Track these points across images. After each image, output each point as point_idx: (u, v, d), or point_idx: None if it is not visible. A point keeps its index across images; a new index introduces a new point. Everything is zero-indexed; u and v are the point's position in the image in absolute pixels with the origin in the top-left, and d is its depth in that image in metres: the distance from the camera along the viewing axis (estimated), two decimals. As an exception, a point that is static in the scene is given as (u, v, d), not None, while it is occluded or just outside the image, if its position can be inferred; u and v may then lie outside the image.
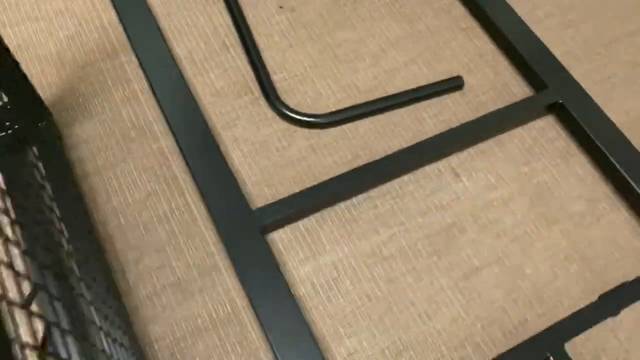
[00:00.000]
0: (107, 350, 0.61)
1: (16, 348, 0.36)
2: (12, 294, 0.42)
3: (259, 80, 0.93)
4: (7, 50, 0.68)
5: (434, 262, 0.81)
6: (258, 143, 0.88)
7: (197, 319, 0.75)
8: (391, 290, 0.79)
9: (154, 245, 0.79)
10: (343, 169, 0.86)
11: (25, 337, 0.40)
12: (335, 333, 0.76)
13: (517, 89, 0.98)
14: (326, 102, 0.93)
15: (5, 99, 0.74)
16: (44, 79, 0.90)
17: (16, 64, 0.71)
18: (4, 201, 0.49)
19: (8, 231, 0.46)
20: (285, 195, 0.82)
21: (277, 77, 0.95)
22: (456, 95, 0.96)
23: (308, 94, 0.94)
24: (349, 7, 1.03)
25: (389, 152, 0.88)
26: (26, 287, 0.44)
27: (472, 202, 0.86)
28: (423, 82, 0.97)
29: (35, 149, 0.79)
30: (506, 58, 1.00)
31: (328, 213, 0.83)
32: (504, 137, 0.93)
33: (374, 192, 0.86)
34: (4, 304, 0.38)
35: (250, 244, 0.76)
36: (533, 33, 0.99)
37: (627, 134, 0.91)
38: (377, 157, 0.87)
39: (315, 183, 0.83)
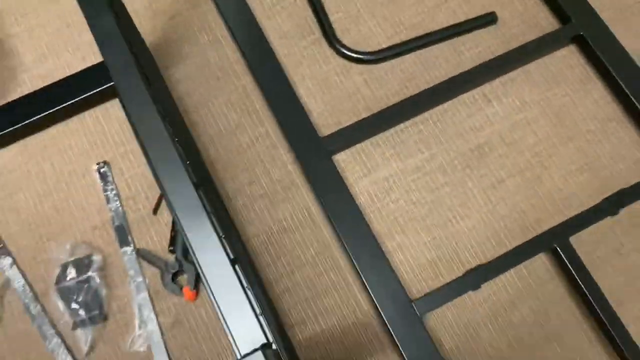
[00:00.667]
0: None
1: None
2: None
3: (319, 22, 1.09)
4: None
5: (467, 174, 1.01)
6: (320, 79, 1.06)
7: (282, 222, 0.98)
8: (432, 198, 1.00)
9: (245, 165, 1.01)
10: (392, 100, 1.04)
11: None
12: (389, 231, 0.98)
13: (545, 22, 1.10)
14: (377, 39, 1.09)
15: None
16: (141, 29, 1.08)
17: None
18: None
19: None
20: (345, 124, 1.01)
21: (334, 17, 1.10)
22: (490, 29, 1.10)
23: (362, 32, 1.10)
24: (395, -52, 1.15)
25: (431, 83, 1.05)
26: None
27: (501, 124, 1.04)
28: (461, 18, 1.10)
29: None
30: (537, -8, 1.12)
31: (380, 137, 1.03)
32: (531, 66, 1.08)
33: (418, 119, 1.04)
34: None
35: (320, 164, 0.97)
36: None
37: (640, 61, 1.04)
38: (421, 88, 1.04)
39: (369, 112, 1.02)
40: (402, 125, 1.04)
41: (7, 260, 0.93)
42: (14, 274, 0.92)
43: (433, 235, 0.98)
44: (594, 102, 1.06)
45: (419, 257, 0.97)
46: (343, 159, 1.02)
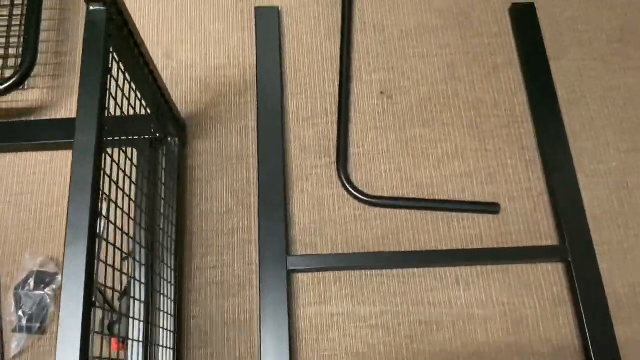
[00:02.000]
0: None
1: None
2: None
3: (338, 150, 1.17)
4: (151, 72, 0.97)
5: (405, 343, 1.04)
6: (317, 199, 1.14)
7: (224, 314, 1.05)
8: (365, 351, 1.03)
9: (217, 249, 1.09)
10: (372, 244, 1.10)
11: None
12: (312, 364, 1.03)
13: (544, 232, 1.12)
14: (383, 184, 1.15)
15: (149, 110, 1.05)
16: (190, 96, 1.21)
17: (159, 89, 1.01)
18: (130, 181, 0.81)
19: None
20: (319, 249, 1.08)
21: (354, 150, 1.18)
22: (490, 217, 1.14)
23: (372, 172, 1.17)
24: (437, 109, 1.22)
25: (414, 245, 1.10)
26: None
27: (458, 311, 1.06)
28: (469, 196, 1.15)
29: (166, 151, 1.11)
30: (548, 201, 1.15)
31: (344, 274, 1.08)
32: (513, 267, 1.10)
33: (386, 272, 1.09)
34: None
35: (278, 277, 1.04)
36: (580, 193, 1.12)
37: (617, 308, 1.04)
38: (403, 245, 1.09)
39: (346, 247, 1.08)
40: (369, 272, 1.09)
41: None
42: (-9, 261, 1.05)
43: (350, 386, 1.02)
44: (558, 325, 1.06)
45: (327, 400, 1.01)
46: (303, 280, 1.08)
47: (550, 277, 1.10)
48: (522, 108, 1.23)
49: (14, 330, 1.01)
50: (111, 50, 0.75)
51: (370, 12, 1.30)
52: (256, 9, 1.26)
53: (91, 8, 0.72)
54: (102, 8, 0.71)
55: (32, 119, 1.19)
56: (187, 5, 1.29)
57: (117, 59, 0.79)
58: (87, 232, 0.63)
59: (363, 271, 1.09)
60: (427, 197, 1.14)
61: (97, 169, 0.67)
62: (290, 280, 1.07)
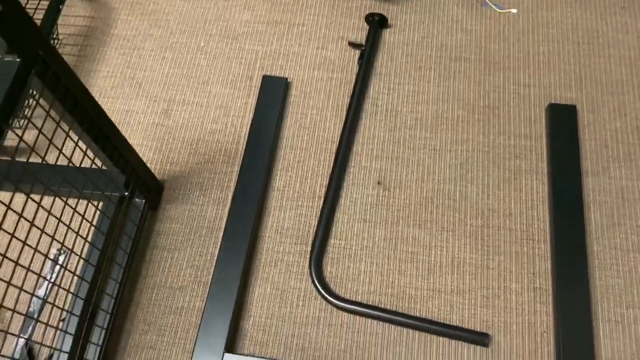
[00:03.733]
0: None
1: None
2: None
3: (315, 238, 1.04)
4: (102, 130, 0.91)
5: None
6: (281, 290, 1.01)
7: (146, 403, 0.93)
8: None
9: (159, 328, 0.99)
10: (330, 355, 0.94)
11: None
12: None
13: (541, 381, 0.91)
14: (359, 287, 1.01)
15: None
16: (177, 157, 1.15)
17: (116, 149, 0.94)
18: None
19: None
20: (269, 351, 0.94)
21: (334, 241, 1.05)
22: (478, 348, 0.95)
23: (350, 270, 1.02)
24: (439, 211, 1.06)
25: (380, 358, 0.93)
26: None
27: None
28: (456, 319, 0.97)
29: (131, 211, 1.05)
30: (553, 344, 0.94)
31: (289, 386, 0.93)
32: (493, 419, 0.89)
33: (338, 392, 0.92)
34: None
35: (211, 374, 0.91)
36: (592, 341, 0.91)
37: None
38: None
39: (300, 355, 0.93)
40: (318, 388, 0.93)
41: None
42: None
43: None
44: None
45: None
46: (241, 382, 0.94)
47: None
48: (541, 225, 1.04)
49: None
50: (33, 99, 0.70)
51: (386, 95, 1.19)
52: (264, 76, 1.20)
53: (6, 59, 0.67)
54: (17, 60, 0.66)
55: None
56: (197, 65, 1.25)
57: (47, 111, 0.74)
58: None
59: (311, 386, 0.93)
60: (406, 312, 0.98)
61: None
62: (225, 379, 0.94)
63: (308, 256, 1.04)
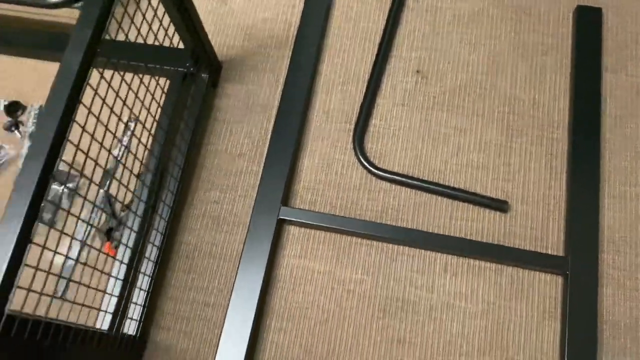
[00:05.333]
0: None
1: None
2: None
3: (358, 117, 1.17)
4: (186, 10, 1.02)
5: (375, 316, 1.03)
6: (328, 161, 1.15)
7: (211, 245, 1.09)
8: (334, 311, 1.04)
9: (221, 186, 1.14)
10: (369, 214, 1.09)
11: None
12: (279, 311, 1.04)
13: (552, 241, 1.07)
14: (396, 160, 1.14)
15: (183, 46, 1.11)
16: (233, 41, 1.26)
17: (194, 27, 1.05)
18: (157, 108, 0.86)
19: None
20: (317, 208, 1.09)
21: (375, 122, 1.18)
22: (496, 214, 1.10)
23: (388, 146, 1.16)
24: (470, 98, 1.19)
25: (411, 224, 1.08)
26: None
27: (438, 297, 1.04)
28: (480, 189, 1.11)
29: (195, 86, 1.17)
30: (563, 212, 1.08)
31: (334, 236, 1.09)
32: (508, 269, 1.05)
33: (375, 244, 1.08)
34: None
35: (269, 223, 1.06)
36: (598, 211, 1.05)
37: (612, 337, 0.97)
38: (399, 222, 1.08)
39: (343, 210, 1.09)
40: (359, 240, 1.09)
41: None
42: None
43: (308, 341, 1.03)
44: (540, 339, 1.01)
45: (289, 347, 1.02)
46: (293, 232, 1.10)
47: (546, 288, 1.04)
48: (561, 115, 1.16)
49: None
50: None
51: (427, -8, 1.29)
52: (315, -30, 1.29)
53: None
54: None
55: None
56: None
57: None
58: (53, 133, 0.67)
59: (354, 238, 1.09)
60: (438, 181, 1.12)
61: (79, 83, 0.71)
62: (281, 229, 1.09)
63: (352, 133, 1.17)
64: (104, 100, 0.79)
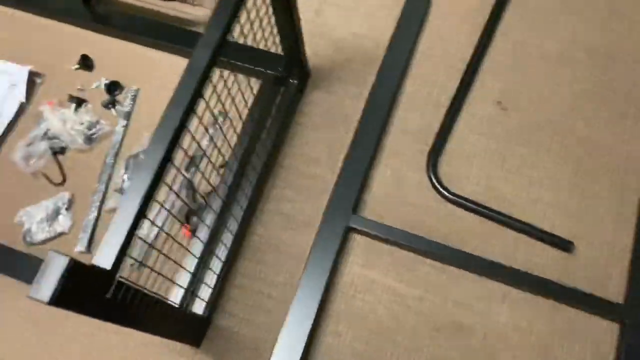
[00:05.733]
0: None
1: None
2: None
3: (435, 139, 1.21)
4: (293, 19, 1.08)
5: (431, 335, 1.07)
6: (399, 177, 1.19)
7: (281, 243, 1.15)
8: (387, 322, 1.08)
9: (297, 187, 1.19)
10: (435, 235, 1.13)
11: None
12: (338, 315, 1.09)
13: (612, 286, 1.08)
14: (466, 185, 1.18)
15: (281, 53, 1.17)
16: (323, 51, 1.32)
17: (296, 36, 1.12)
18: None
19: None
20: (385, 220, 1.13)
21: (450, 146, 1.21)
22: (560, 252, 1.11)
23: (461, 170, 1.19)
24: (548, 135, 1.21)
25: (475, 250, 1.11)
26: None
27: (493, 325, 1.07)
28: (547, 226, 1.13)
29: (284, 89, 1.24)
30: (628, 261, 1.09)
31: (398, 251, 1.13)
32: (565, 308, 1.07)
33: (438, 264, 1.12)
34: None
35: (335, 228, 1.11)
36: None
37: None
38: (463, 246, 1.11)
39: (410, 227, 1.12)
40: (422, 258, 1.12)
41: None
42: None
43: (361, 348, 1.07)
44: (587, 381, 1.02)
45: (343, 352, 1.07)
46: (359, 241, 1.15)
47: (602, 333, 1.05)
48: (637, 163, 1.17)
49: (115, 190, 1.20)
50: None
51: (517, 28, 1.31)
52: (410, -8, 1.34)
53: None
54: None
55: (189, 28, 1.36)
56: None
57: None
58: (178, 121, 0.73)
59: (417, 255, 1.12)
60: (507, 212, 1.15)
61: (204, 79, 0.76)
62: (348, 236, 1.14)
63: (426, 153, 1.21)
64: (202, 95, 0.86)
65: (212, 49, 0.78)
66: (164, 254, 0.89)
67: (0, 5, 1.41)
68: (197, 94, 0.77)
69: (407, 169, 1.20)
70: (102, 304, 0.68)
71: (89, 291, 0.65)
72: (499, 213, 1.14)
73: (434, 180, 1.17)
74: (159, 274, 0.88)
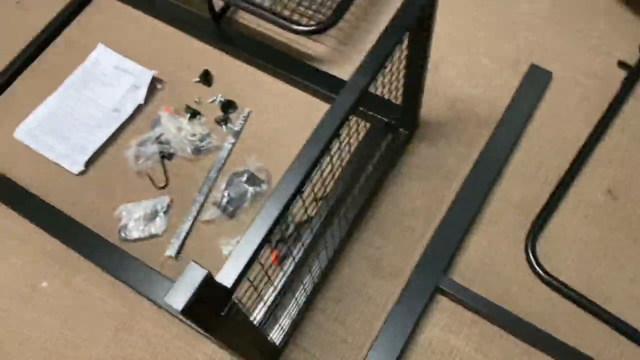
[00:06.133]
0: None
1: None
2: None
3: (537, 217, 1.18)
4: (421, 75, 1.10)
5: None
6: (495, 247, 1.16)
7: (363, 288, 1.14)
8: (464, 396, 1.04)
9: (387, 235, 1.19)
10: (524, 313, 1.08)
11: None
12: (412, 375, 1.06)
13: None
14: (564, 268, 1.13)
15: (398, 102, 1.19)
16: (436, 106, 1.32)
17: (419, 89, 1.13)
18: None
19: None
20: (474, 289, 1.11)
21: (553, 226, 1.18)
22: (657, 361, 1.05)
23: (561, 252, 1.15)
24: (657, 234, 1.15)
25: (564, 337, 1.05)
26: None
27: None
28: (645, 328, 1.07)
29: (392, 137, 1.25)
30: None
31: (482, 322, 1.09)
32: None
33: (521, 343, 1.07)
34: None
35: (424, 285, 1.10)
36: None
37: None
38: (552, 330, 1.06)
39: (498, 301, 1.09)
40: (506, 334, 1.08)
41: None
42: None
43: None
44: None
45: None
46: (443, 303, 1.12)
47: None
48: None
49: (214, 203, 1.23)
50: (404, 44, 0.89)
51: (636, 120, 1.28)
52: (532, 65, 1.33)
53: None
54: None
55: (308, 62, 1.40)
56: (472, 34, 1.41)
57: (403, 51, 0.93)
58: (309, 165, 0.74)
59: (502, 330, 1.09)
60: (602, 305, 1.09)
61: (340, 126, 0.78)
62: (433, 296, 1.12)
63: (527, 229, 1.18)
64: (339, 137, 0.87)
65: (355, 97, 0.79)
66: (268, 277, 0.89)
67: (139, 10, 1.50)
68: (334, 136, 0.78)
69: (504, 240, 1.17)
70: (215, 319, 0.69)
71: (209, 306, 0.66)
72: (596, 305, 1.09)
73: (531, 258, 1.14)
74: (258, 294, 0.89)
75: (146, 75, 1.38)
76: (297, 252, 1.13)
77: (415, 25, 0.91)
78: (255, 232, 0.70)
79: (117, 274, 1.16)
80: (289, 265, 1.12)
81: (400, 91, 1.14)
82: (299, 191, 0.74)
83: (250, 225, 0.71)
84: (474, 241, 1.18)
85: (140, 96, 1.36)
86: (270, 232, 0.71)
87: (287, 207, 0.73)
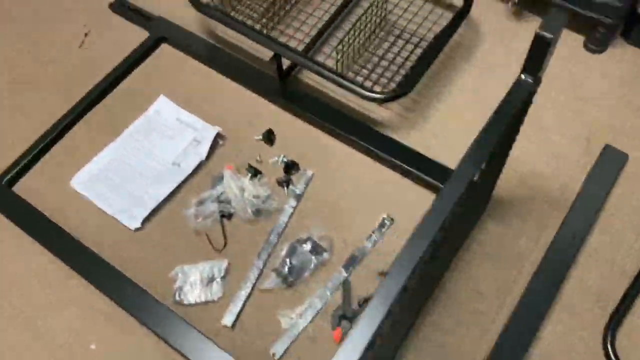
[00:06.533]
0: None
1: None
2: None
3: (617, 309, 1.11)
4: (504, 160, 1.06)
5: None
6: (571, 338, 1.10)
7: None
8: None
9: (457, 318, 1.12)
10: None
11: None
12: None
13: None
14: None
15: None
16: (507, 183, 1.27)
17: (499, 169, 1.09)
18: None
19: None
20: None
21: (633, 318, 1.11)
22: None
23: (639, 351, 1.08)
24: None
25: None
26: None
27: None
28: None
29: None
30: None
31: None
32: None
33: None
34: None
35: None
36: None
37: None
38: None
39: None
40: None
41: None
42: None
43: None
44: None
45: None
46: (516, 399, 1.05)
47: None
48: None
49: (273, 270, 1.18)
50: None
51: None
52: (606, 145, 1.29)
53: (522, 77, 0.84)
54: (530, 81, 0.83)
55: (373, 127, 1.37)
56: (539, 108, 1.37)
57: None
58: (416, 262, 0.71)
59: None
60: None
61: (447, 216, 0.74)
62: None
63: (605, 320, 1.11)
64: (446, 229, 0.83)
65: (461, 191, 0.76)
66: None
67: (205, 65, 1.49)
68: (439, 227, 0.74)
69: (579, 331, 1.11)
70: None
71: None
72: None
73: (611, 353, 1.07)
74: None
75: (209, 132, 1.36)
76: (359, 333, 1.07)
77: (520, 110, 0.87)
78: (362, 332, 0.66)
79: (171, 339, 1.10)
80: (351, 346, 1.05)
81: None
82: (405, 289, 0.69)
83: (352, 331, 0.67)
84: (547, 330, 1.11)
85: (203, 152, 1.33)
86: (376, 334, 0.67)
87: (389, 313, 0.68)
